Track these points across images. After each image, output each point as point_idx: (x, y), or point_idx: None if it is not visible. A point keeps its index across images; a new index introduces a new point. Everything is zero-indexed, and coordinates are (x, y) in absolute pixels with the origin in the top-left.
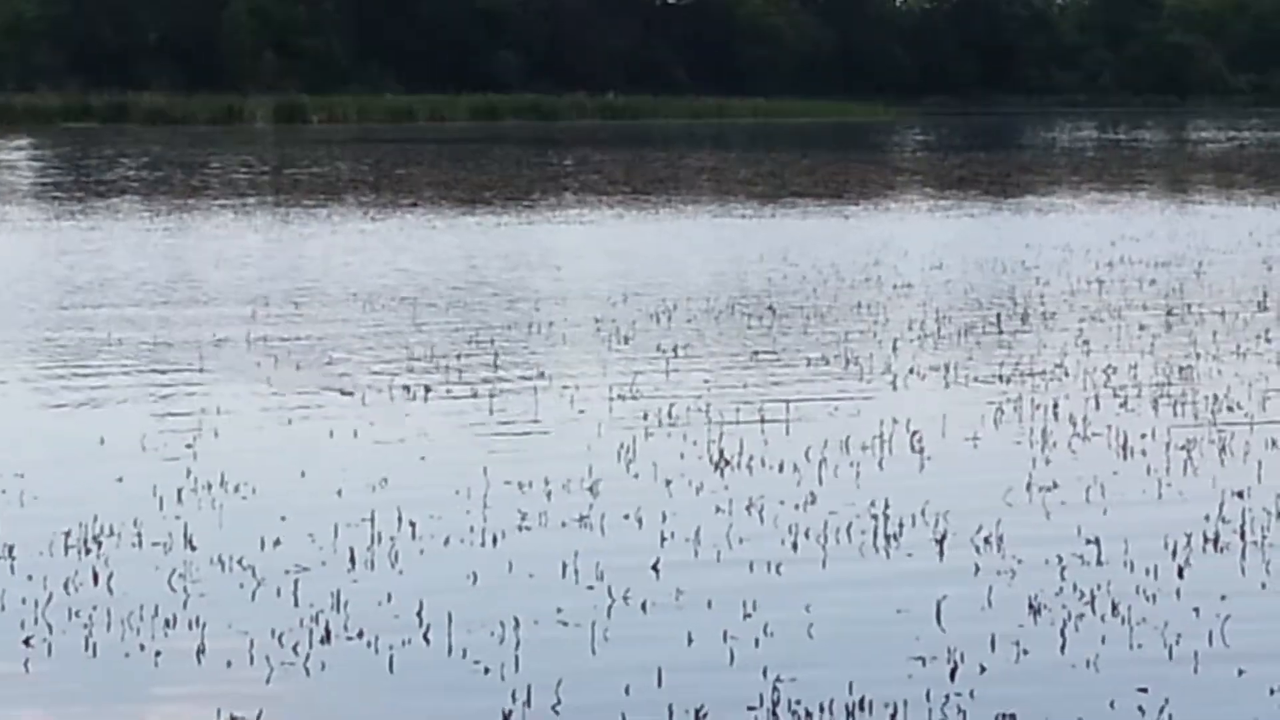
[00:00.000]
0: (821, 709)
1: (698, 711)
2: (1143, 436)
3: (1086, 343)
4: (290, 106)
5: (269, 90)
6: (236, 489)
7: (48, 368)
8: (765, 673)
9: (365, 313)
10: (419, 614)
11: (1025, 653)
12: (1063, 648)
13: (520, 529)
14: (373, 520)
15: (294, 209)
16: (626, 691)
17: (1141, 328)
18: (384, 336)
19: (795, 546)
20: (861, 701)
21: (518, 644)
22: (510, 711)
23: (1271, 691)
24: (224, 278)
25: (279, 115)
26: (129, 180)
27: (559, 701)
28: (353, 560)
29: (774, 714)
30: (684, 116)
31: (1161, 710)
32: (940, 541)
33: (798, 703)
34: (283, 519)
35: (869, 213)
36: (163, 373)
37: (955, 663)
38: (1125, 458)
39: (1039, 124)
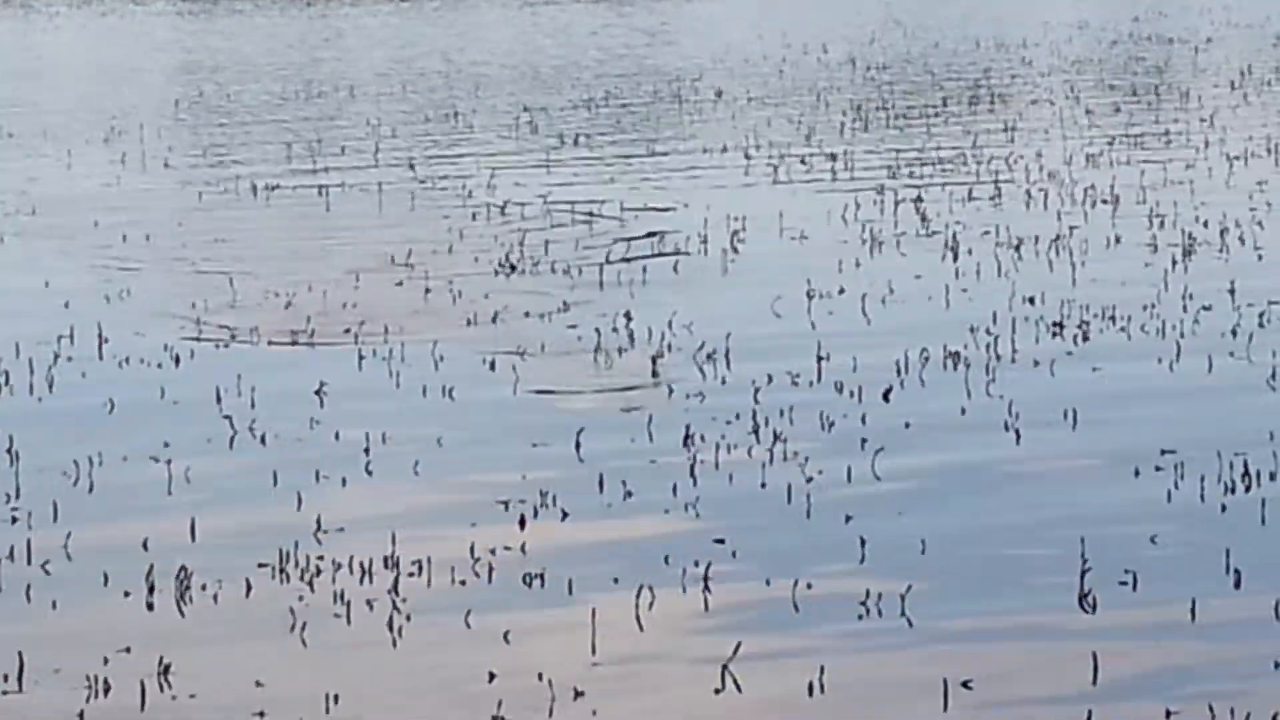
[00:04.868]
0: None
1: None
2: (985, 234)
3: (1013, 129)
4: None
5: None
6: None
7: None
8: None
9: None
10: None
11: (631, 494)
12: (675, 489)
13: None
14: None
15: None
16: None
17: (1088, 112)
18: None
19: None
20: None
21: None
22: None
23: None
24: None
25: None
26: None
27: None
28: None
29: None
30: None
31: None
32: (655, 360)
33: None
34: None
35: None
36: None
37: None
38: (949, 258)
39: None
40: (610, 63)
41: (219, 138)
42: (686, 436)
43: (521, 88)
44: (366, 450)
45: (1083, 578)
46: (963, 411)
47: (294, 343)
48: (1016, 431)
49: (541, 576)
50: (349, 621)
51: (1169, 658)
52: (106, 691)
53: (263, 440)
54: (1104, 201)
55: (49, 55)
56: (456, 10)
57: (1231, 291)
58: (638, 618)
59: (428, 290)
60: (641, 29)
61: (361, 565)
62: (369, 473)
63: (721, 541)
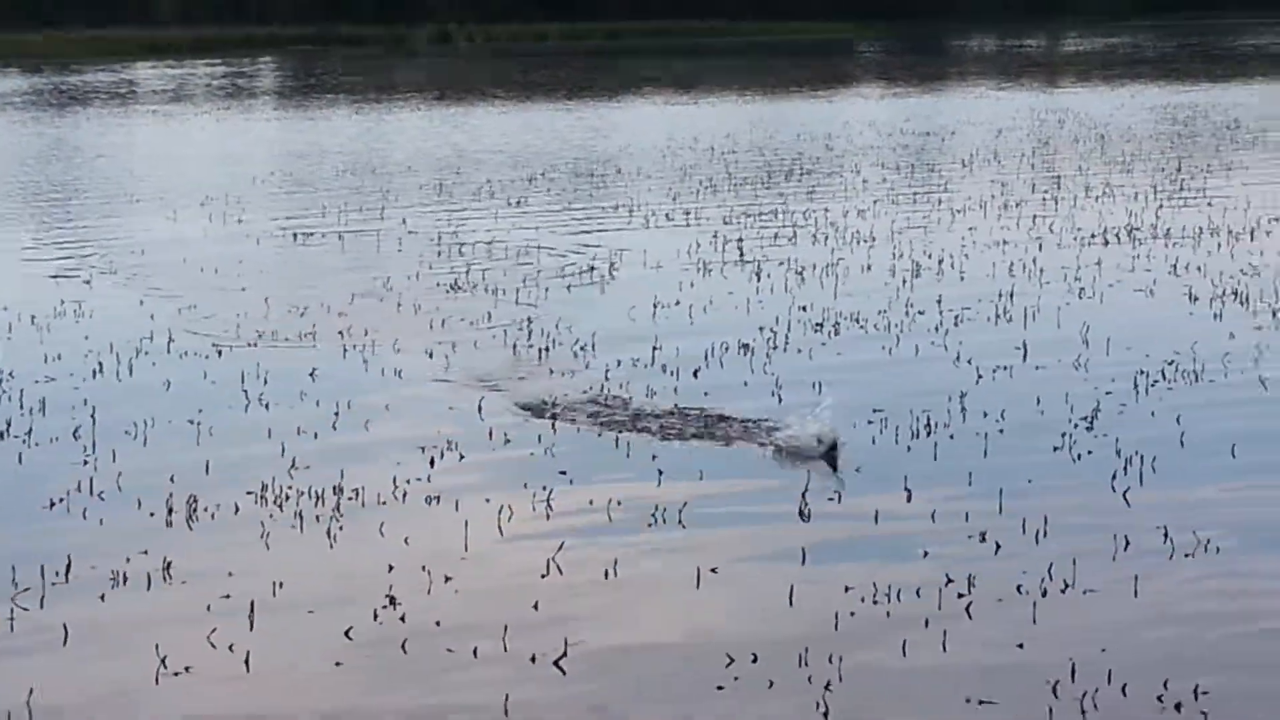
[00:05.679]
0: None
1: None
2: (780, 264)
3: (812, 193)
4: (441, 32)
5: (433, 21)
6: None
7: None
8: None
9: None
10: None
11: (509, 441)
12: (539, 438)
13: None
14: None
15: (446, 102)
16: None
17: (864, 181)
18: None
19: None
20: None
21: None
22: None
23: None
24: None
25: (433, 39)
26: (337, 84)
27: None
28: None
29: None
30: (731, 36)
31: None
32: (543, 352)
33: None
34: None
35: (819, 98)
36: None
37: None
38: (754, 280)
39: (957, 36)
40: (560, 150)
41: (280, 203)
42: (554, 403)
43: (494, 166)
44: (337, 414)
45: (804, 495)
46: (745, 384)
47: (300, 341)
48: (779, 396)
49: (438, 498)
50: (302, 532)
51: (855, 544)
52: (125, 582)
53: (266, 407)
54: (863, 241)
55: (175, 148)
56: (467, 115)
57: (939, 302)
58: (499, 526)
59: (399, 305)
60: (590, 126)
61: (316, 493)
62: (334, 429)
63: (564, 473)
